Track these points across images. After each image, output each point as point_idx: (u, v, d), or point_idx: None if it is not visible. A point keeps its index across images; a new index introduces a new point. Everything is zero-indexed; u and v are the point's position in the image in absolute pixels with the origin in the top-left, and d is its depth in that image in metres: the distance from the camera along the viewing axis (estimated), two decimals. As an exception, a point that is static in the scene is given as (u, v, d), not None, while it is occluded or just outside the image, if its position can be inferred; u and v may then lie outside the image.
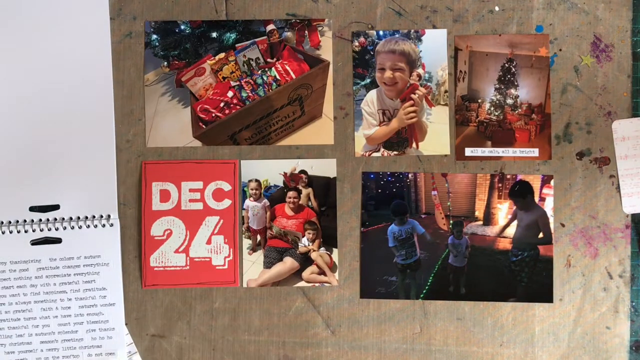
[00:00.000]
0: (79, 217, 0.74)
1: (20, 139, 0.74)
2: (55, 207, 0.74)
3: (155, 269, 0.75)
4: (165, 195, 0.75)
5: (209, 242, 0.75)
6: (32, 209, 0.74)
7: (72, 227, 0.74)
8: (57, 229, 0.74)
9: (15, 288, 0.73)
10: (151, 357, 0.75)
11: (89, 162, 0.75)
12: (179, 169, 0.76)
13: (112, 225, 0.74)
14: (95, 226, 0.74)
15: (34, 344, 0.73)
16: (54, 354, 0.73)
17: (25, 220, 0.74)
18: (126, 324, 0.74)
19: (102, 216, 0.74)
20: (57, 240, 0.74)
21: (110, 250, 0.74)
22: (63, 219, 0.74)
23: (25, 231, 0.74)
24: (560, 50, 0.76)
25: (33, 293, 0.73)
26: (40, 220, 0.74)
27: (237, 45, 0.77)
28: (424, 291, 0.75)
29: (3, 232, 0.74)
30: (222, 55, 0.77)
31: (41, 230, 0.74)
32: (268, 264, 0.76)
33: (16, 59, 0.75)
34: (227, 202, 0.76)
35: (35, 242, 0.74)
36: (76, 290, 0.74)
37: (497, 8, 0.76)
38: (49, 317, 0.73)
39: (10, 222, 0.74)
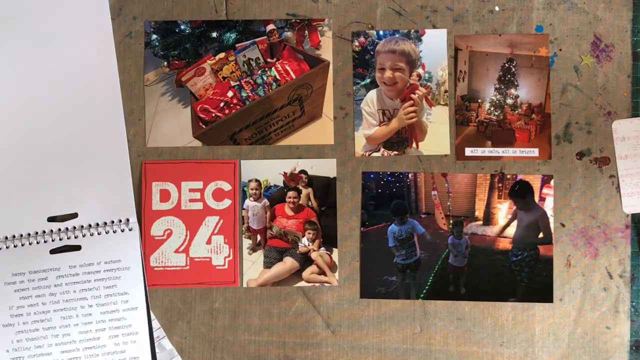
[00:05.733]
0: (97, 224, 0.74)
1: (33, 151, 0.74)
2: (74, 216, 0.74)
3: (155, 269, 0.75)
4: (165, 195, 0.75)
5: (209, 242, 0.75)
6: (50, 219, 0.74)
7: (92, 234, 0.73)
8: (76, 237, 0.73)
9: (33, 298, 0.72)
10: (151, 357, 0.75)
11: (103, 168, 0.74)
12: (179, 169, 0.76)
13: (131, 229, 0.74)
14: (115, 231, 0.74)
15: (54, 355, 0.72)
16: None
17: (44, 231, 0.74)
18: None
19: (120, 221, 0.74)
20: (77, 248, 0.73)
21: (131, 254, 0.73)
22: (82, 226, 0.74)
23: (45, 241, 0.73)
24: (560, 50, 0.76)
25: (52, 302, 0.72)
26: (60, 229, 0.74)
27: (237, 45, 0.77)
28: (424, 291, 0.75)
29: (23, 244, 0.73)
30: (222, 55, 0.77)
31: (60, 239, 0.73)
32: (268, 264, 0.76)
33: (25, 72, 0.75)
34: (227, 202, 0.76)
35: (54, 251, 0.73)
36: (97, 296, 0.72)
37: (497, 8, 0.76)
38: (69, 326, 0.72)
39: (29, 234, 0.73)
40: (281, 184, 0.77)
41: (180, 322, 0.75)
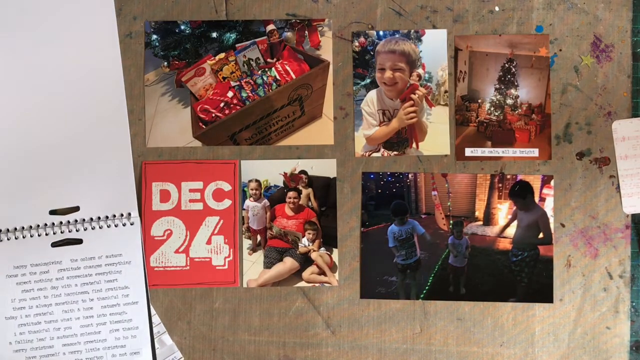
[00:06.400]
0: (99, 217, 0.74)
1: (36, 144, 0.74)
2: (75, 209, 0.74)
3: (156, 269, 0.75)
4: (165, 196, 0.75)
5: (209, 242, 0.75)
6: (52, 212, 0.74)
7: (93, 228, 0.73)
8: (77, 230, 0.73)
9: (35, 291, 0.72)
10: (151, 357, 0.75)
11: (106, 162, 0.74)
12: (179, 169, 0.76)
13: (132, 223, 0.74)
14: (116, 225, 0.74)
15: (56, 347, 0.72)
16: (77, 357, 0.72)
17: (46, 224, 0.74)
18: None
19: (122, 215, 0.74)
20: (78, 241, 0.74)
21: (132, 248, 0.74)
22: (84, 220, 0.74)
23: (46, 234, 0.73)
24: (560, 50, 0.76)
25: (54, 295, 0.72)
26: (61, 222, 0.74)
27: (237, 45, 0.77)
28: (424, 291, 0.75)
29: (24, 237, 0.73)
30: (222, 55, 0.77)
31: (62, 232, 0.73)
32: (268, 264, 0.76)
33: (29, 65, 0.75)
34: (227, 202, 0.76)
35: (55, 244, 0.74)
36: (98, 290, 0.73)
37: (497, 8, 0.76)
38: (70, 319, 0.72)
39: (31, 227, 0.73)
40: (281, 184, 0.77)
41: (180, 322, 0.75)
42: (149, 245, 0.75)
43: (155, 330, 0.74)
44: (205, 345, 0.75)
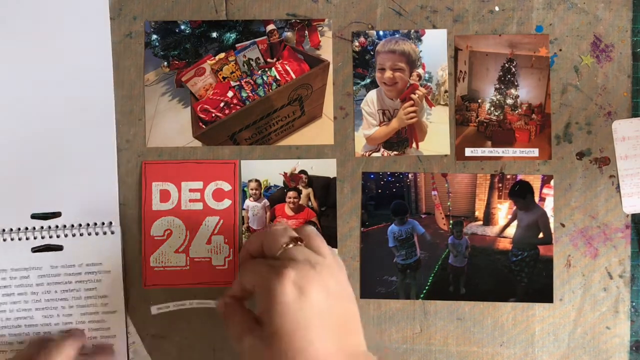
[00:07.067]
0: (80, 224, 0.74)
1: (20, 146, 0.74)
2: (57, 215, 0.74)
3: (155, 269, 0.75)
4: (165, 195, 0.75)
5: (209, 242, 0.75)
6: (33, 216, 0.74)
7: (74, 235, 0.73)
8: (58, 236, 0.73)
9: (16, 295, 0.73)
10: (151, 357, 0.75)
11: (89, 168, 0.74)
12: (179, 169, 0.76)
13: (112, 232, 0.74)
14: (97, 233, 0.74)
15: None
16: None
17: (27, 228, 0.74)
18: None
19: (103, 223, 0.74)
20: (59, 248, 0.74)
21: (112, 257, 0.74)
22: (65, 226, 0.74)
23: (27, 238, 0.73)
24: (560, 50, 0.76)
25: (34, 300, 0.73)
26: (42, 227, 0.74)
27: (237, 45, 0.77)
28: (424, 291, 0.75)
29: (4, 240, 0.73)
30: (222, 55, 0.77)
31: (42, 237, 0.73)
32: (268, 264, 0.76)
33: (15, 63, 0.74)
34: (227, 202, 0.76)
35: (36, 250, 0.74)
36: (77, 297, 0.73)
37: (497, 8, 0.76)
38: (50, 325, 0.73)
39: (12, 230, 0.73)
40: (281, 184, 0.77)
41: (180, 322, 0.75)
42: (149, 245, 0.75)
43: (130, 340, 0.74)
44: (205, 345, 0.75)
